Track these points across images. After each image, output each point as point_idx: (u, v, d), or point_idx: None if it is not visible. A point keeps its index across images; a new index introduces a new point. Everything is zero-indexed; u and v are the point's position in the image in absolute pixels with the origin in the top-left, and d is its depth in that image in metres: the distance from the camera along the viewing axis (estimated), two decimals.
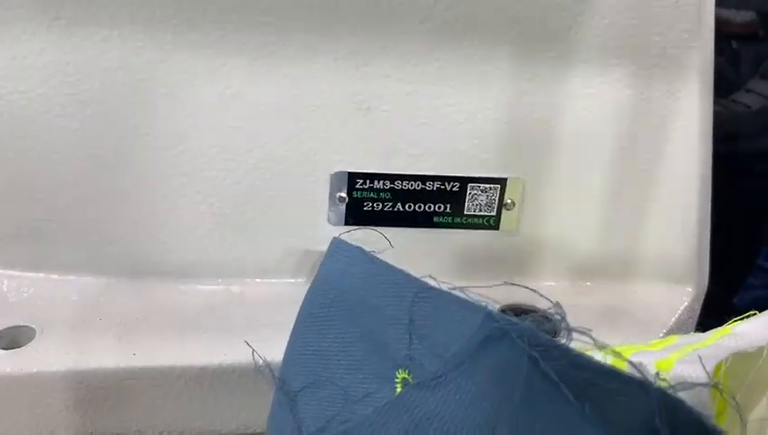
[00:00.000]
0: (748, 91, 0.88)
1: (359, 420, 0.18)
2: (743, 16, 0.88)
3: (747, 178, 0.95)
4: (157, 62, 0.24)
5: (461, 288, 0.19)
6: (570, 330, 0.18)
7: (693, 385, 0.18)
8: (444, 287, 0.19)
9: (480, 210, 0.27)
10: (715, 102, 0.33)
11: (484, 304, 0.17)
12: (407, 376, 0.19)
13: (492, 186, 0.27)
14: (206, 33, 0.24)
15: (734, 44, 0.92)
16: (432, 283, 0.20)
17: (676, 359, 0.22)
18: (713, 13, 0.27)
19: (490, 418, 0.17)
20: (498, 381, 0.17)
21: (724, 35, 0.80)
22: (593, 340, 0.18)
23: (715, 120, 0.29)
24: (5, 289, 0.24)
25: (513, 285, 0.22)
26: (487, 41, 0.25)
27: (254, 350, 0.21)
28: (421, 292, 0.19)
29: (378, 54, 0.25)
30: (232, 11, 0.24)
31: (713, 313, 0.34)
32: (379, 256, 0.22)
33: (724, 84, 0.87)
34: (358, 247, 0.22)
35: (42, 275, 0.25)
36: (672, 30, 0.26)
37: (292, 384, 0.21)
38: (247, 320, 0.24)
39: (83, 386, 0.23)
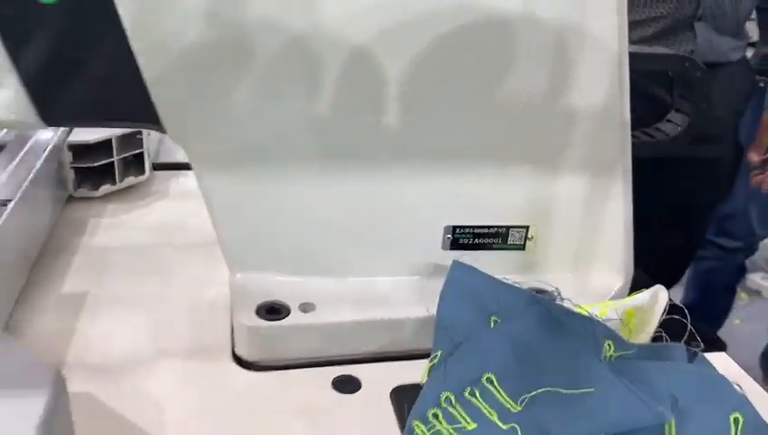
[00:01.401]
0: (677, 110, 1.16)
1: (474, 339, 0.45)
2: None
3: (686, 181, 1.22)
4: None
5: (519, 283, 0.47)
6: (562, 299, 0.46)
7: (611, 320, 0.46)
8: (515, 284, 0.47)
9: (515, 241, 0.55)
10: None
11: (531, 291, 0.45)
12: (498, 319, 0.46)
13: (521, 230, 0.54)
14: (362, 154, 0.50)
15: (670, 73, 1.11)
16: (509, 281, 0.47)
17: (608, 310, 0.49)
18: (629, 144, 0.54)
19: (530, 326, 0.44)
20: (533, 314, 0.44)
21: None
22: (574, 304, 0.46)
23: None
24: (298, 288, 0.51)
25: (541, 282, 0.49)
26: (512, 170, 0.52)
27: (428, 310, 0.48)
28: (503, 285, 0.47)
29: (461, 173, 0.52)
30: (375, 148, 0.50)
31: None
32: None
33: (660, 108, 1.14)
34: (470, 266, 0.49)
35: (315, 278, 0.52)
36: (605, 156, 0.54)
37: (448, 326, 0.48)
38: (408, 298, 0.52)
39: (334, 333, 0.50)
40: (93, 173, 0.79)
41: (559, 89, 0.50)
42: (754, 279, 2.33)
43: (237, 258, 0.52)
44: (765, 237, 1.90)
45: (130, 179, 0.81)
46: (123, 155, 0.79)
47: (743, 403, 0.41)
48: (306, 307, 0.51)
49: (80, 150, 0.76)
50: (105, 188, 0.79)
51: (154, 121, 0.46)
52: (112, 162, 0.78)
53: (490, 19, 0.45)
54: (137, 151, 0.81)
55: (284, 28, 0.44)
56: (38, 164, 0.68)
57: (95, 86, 0.44)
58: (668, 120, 1.18)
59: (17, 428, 0.35)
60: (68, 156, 0.76)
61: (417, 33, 0.46)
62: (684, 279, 1.86)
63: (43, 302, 0.59)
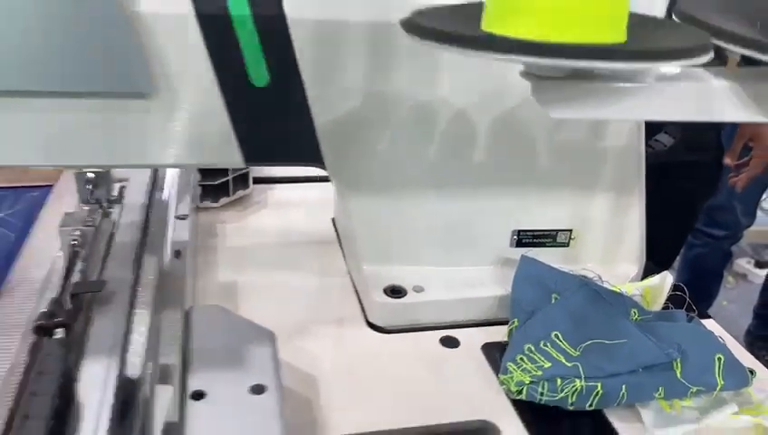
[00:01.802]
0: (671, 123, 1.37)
1: (543, 310, 0.66)
2: None
3: (680, 181, 1.44)
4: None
5: (571, 270, 0.68)
6: (602, 281, 0.67)
7: (634, 295, 0.68)
8: (570, 272, 0.68)
9: (561, 241, 0.76)
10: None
11: (580, 276, 0.66)
12: (557, 296, 0.67)
13: (566, 233, 0.75)
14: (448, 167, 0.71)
15: None
16: (566, 271, 0.68)
17: (632, 289, 0.71)
18: (644, 171, 0.75)
19: (582, 300, 0.65)
20: (583, 291, 0.66)
21: None
22: (610, 285, 0.67)
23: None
24: (412, 275, 0.72)
25: (586, 270, 0.70)
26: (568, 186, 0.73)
27: (506, 289, 0.69)
28: (560, 271, 0.68)
29: (525, 194, 0.73)
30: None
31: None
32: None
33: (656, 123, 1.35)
34: (535, 259, 0.70)
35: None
36: (627, 181, 0.75)
37: (521, 301, 0.68)
38: (489, 281, 0.73)
39: (439, 307, 0.71)
40: (210, 188, 0.99)
41: (596, 137, 0.71)
42: (741, 263, 2.57)
43: (368, 254, 0.72)
44: (749, 226, 2.12)
45: (239, 192, 1.02)
46: (236, 174, 1.00)
47: (723, 348, 0.62)
48: (418, 289, 0.72)
49: (204, 171, 0.97)
50: (223, 200, 0.99)
51: (319, 162, 0.66)
52: (227, 179, 0.99)
53: None
54: (244, 171, 1.01)
55: (413, 97, 0.65)
56: (192, 184, 0.88)
57: (284, 137, 0.65)
58: (665, 132, 1.40)
59: (264, 368, 0.55)
60: (197, 176, 0.96)
61: (499, 101, 0.67)
62: (675, 265, 2.09)
63: (205, 288, 0.79)
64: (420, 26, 0.43)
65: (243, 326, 0.61)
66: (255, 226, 0.96)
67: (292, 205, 1.02)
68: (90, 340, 0.51)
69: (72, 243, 0.64)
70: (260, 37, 0.60)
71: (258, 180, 1.08)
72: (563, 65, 0.39)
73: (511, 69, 0.49)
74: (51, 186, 0.95)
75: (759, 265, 2.56)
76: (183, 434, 0.49)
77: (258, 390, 0.52)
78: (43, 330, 0.50)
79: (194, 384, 0.52)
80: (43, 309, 0.52)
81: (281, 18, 0.59)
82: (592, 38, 0.37)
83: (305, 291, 0.78)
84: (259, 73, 0.61)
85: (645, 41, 0.40)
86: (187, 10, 0.57)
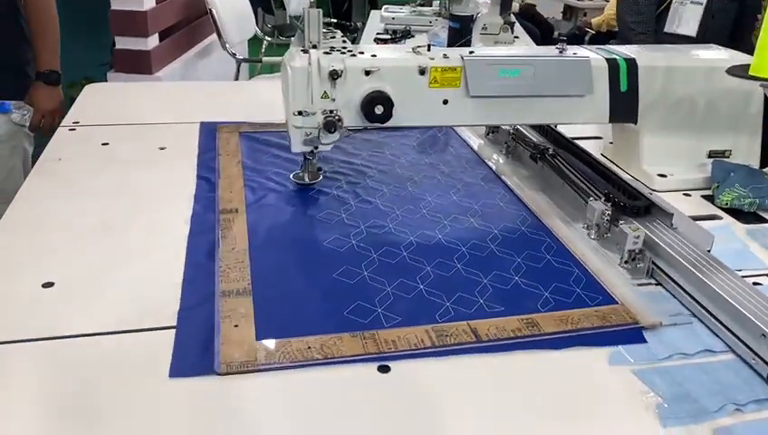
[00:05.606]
0: None
1: (728, 177, 1.66)
2: None
3: None
4: None
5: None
6: (753, 168, 1.68)
7: (765, 173, 1.69)
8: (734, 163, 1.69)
9: (727, 155, 1.76)
10: None
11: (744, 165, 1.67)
12: (732, 172, 1.67)
13: (728, 150, 1.76)
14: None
15: None
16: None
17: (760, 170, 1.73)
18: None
19: (745, 172, 1.66)
20: (745, 169, 1.67)
21: None
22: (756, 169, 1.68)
23: None
24: None
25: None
26: None
27: (709, 172, 1.70)
28: (732, 163, 1.69)
29: (711, 132, 1.73)
30: None
31: None
32: None
33: None
34: (720, 160, 1.70)
35: None
36: (754, 127, 1.75)
37: (717, 175, 1.67)
38: (697, 170, 1.73)
39: None
40: None
41: (744, 109, 1.72)
42: None
43: (646, 161, 1.73)
44: None
45: None
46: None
47: None
48: (669, 174, 1.72)
49: None
50: None
51: (635, 121, 1.67)
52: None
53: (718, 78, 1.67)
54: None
55: (680, 92, 1.66)
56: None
57: (625, 110, 1.65)
58: None
59: None
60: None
61: (710, 91, 1.68)
62: None
63: None
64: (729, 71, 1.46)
65: None
66: None
67: None
68: None
69: None
70: (627, 72, 1.61)
71: None
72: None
73: (724, 78, 1.51)
74: None
75: None
76: None
77: None
78: None
79: None
80: None
81: (635, 66, 1.61)
82: None
83: None
84: (624, 85, 1.63)
85: None
86: (605, 65, 1.59)
